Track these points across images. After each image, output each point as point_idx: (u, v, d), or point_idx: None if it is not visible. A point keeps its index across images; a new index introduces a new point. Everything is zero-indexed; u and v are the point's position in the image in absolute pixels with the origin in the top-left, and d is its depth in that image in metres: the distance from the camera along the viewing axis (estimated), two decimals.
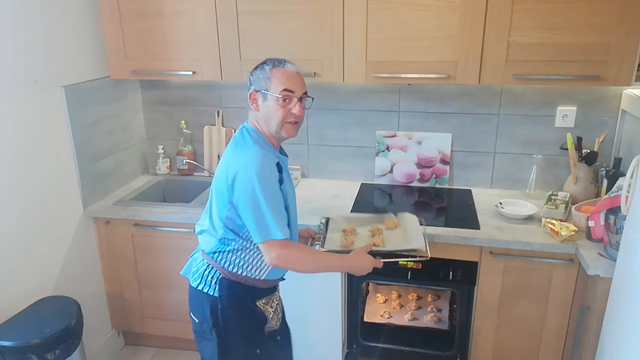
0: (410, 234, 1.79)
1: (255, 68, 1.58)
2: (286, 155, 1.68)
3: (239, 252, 1.58)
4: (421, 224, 1.87)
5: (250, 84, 1.57)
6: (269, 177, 1.47)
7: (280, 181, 1.51)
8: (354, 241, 1.79)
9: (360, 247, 1.68)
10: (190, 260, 1.75)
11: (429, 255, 1.68)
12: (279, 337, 1.71)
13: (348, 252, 1.66)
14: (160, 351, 2.66)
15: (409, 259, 1.68)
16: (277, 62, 1.55)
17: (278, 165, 1.51)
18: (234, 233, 1.55)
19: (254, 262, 1.59)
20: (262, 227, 1.46)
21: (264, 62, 1.57)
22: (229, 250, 1.58)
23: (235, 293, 1.58)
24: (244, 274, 1.59)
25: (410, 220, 1.89)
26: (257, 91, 1.55)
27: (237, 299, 1.58)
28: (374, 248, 1.69)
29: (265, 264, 1.57)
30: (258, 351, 1.62)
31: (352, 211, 2.24)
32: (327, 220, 1.94)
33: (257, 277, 1.60)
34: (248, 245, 1.57)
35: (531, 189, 2.39)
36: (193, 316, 1.68)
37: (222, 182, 1.51)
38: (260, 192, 1.43)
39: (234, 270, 1.58)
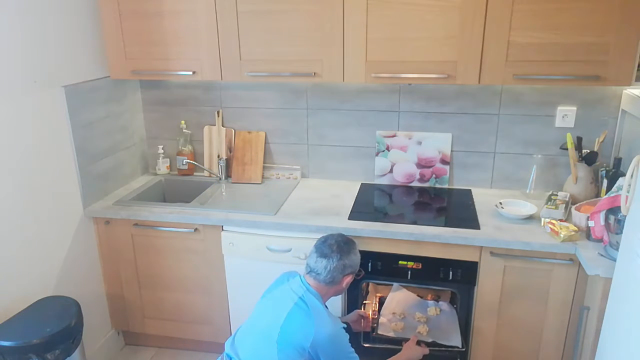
0: (449, 326, 2.21)
1: (348, 253, 1.79)
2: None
3: None
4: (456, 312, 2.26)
5: (345, 267, 1.78)
6: (344, 338, 1.74)
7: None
8: (403, 327, 2.23)
9: (409, 340, 2.08)
10: None
11: (463, 348, 2.13)
12: None
13: (399, 339, 2.14)
14: (160, 351, 2.66)
15: (448, 349, 2.13)
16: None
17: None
18: None
19: None
20: None
21: (354, 244, 1.84)
22: None
23: None
24: None
25: (448, 309, 2.33)
26: (353, 273, 1.82)
27: None
28: (419, 337, 2.13)
29: None
30: None
31: (352, 211, 2.25)
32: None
33: None
34: None
35: (531, 189, 2.39)
36: None
37: (300, 343, 1.66)
38: (337, 342, 1.72)
39: None
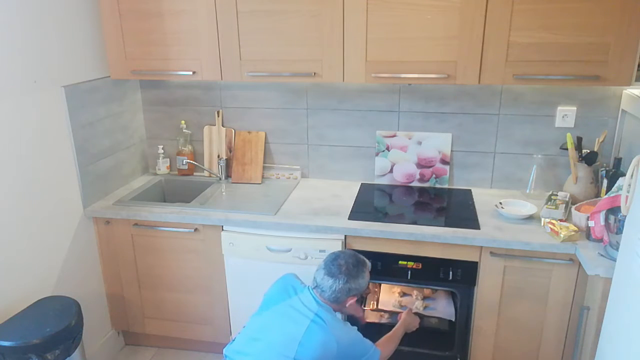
0: (444, 302, 2.37)
1: (356, 276, 1.76)
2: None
3: None
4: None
5: (351, 290, 1.76)
6: (361, 339, 1.81)
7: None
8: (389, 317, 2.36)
9: (405, 311, 2.18)
10: None
11: (454, 320, 2.24)
12: None
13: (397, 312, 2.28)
14: (160, 351, 2.66)
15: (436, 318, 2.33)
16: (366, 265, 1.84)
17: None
18: None
19: None
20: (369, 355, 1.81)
21: (365, 267, 1.81)
22: None
23: None
24: None
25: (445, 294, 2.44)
26: (357, 295, 1.80)
27: None
28: (415, 310, 2.28)
29: None
30: None
31: (352, 211, 2.25)
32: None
33: None
34: None
35: (531, 189, 2.39)
36: None
37: (323, 358, 1.68)
38: (357, 344, 1.79)
39: None
